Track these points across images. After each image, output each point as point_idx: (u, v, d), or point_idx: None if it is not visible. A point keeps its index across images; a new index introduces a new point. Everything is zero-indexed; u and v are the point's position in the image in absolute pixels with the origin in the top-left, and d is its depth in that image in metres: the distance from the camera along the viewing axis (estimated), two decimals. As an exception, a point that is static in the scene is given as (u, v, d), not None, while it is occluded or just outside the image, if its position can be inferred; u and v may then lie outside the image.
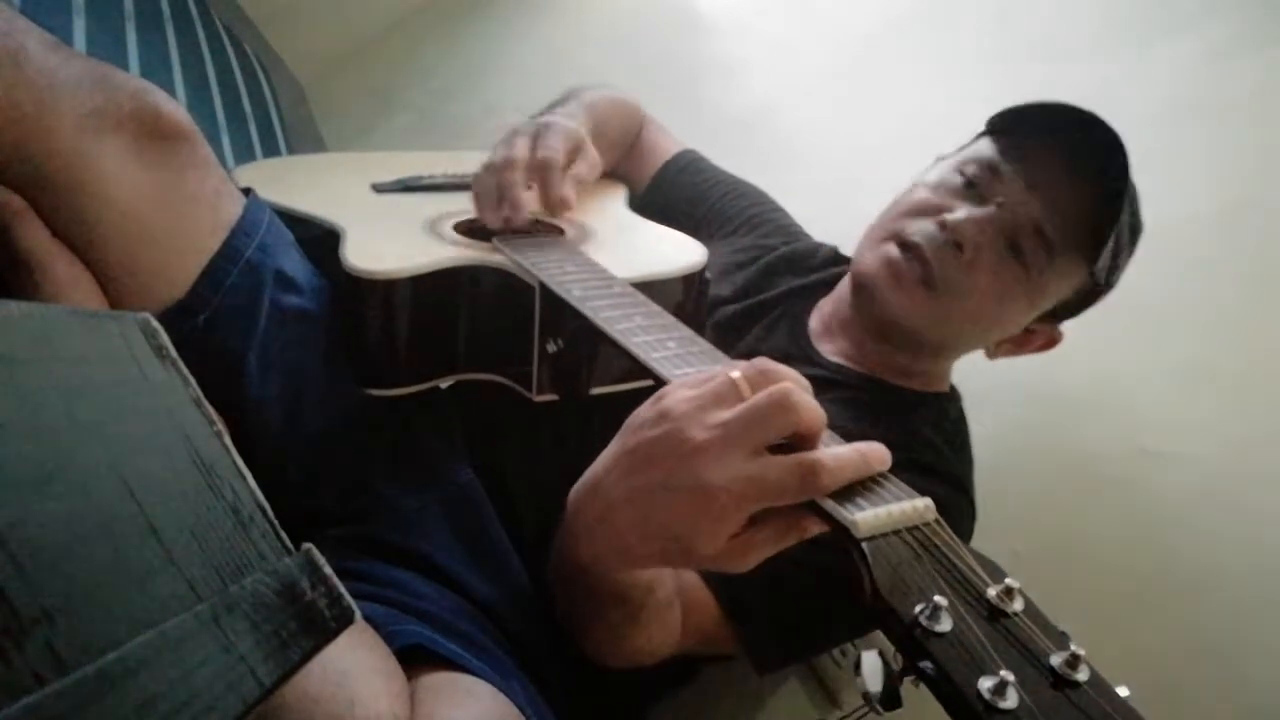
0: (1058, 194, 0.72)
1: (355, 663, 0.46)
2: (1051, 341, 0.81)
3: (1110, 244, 0.70)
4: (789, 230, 0.94)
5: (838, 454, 0.40)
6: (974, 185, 0.75)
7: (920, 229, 0.75)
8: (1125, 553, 0.89)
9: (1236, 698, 0.79)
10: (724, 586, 0.62)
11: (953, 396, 0.83)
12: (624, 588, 0.51)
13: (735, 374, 0.42)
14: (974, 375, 0.85)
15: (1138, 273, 0.79)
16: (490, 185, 0.69)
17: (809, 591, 0.63)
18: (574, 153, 0.73)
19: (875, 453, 0.40)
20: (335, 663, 0.43)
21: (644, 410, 0.45)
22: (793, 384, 0.42)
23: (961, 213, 0.73)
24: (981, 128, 0.80)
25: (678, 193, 0.96)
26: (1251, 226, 0.97)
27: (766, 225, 0.94)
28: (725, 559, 0.43)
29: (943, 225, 0.73)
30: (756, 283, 0.86)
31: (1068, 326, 0.81)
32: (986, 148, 0.77)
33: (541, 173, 0.69)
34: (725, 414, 0.41)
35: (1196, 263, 0.97)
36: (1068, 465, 0.96)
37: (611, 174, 0.98)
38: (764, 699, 0.71)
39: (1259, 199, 0.98)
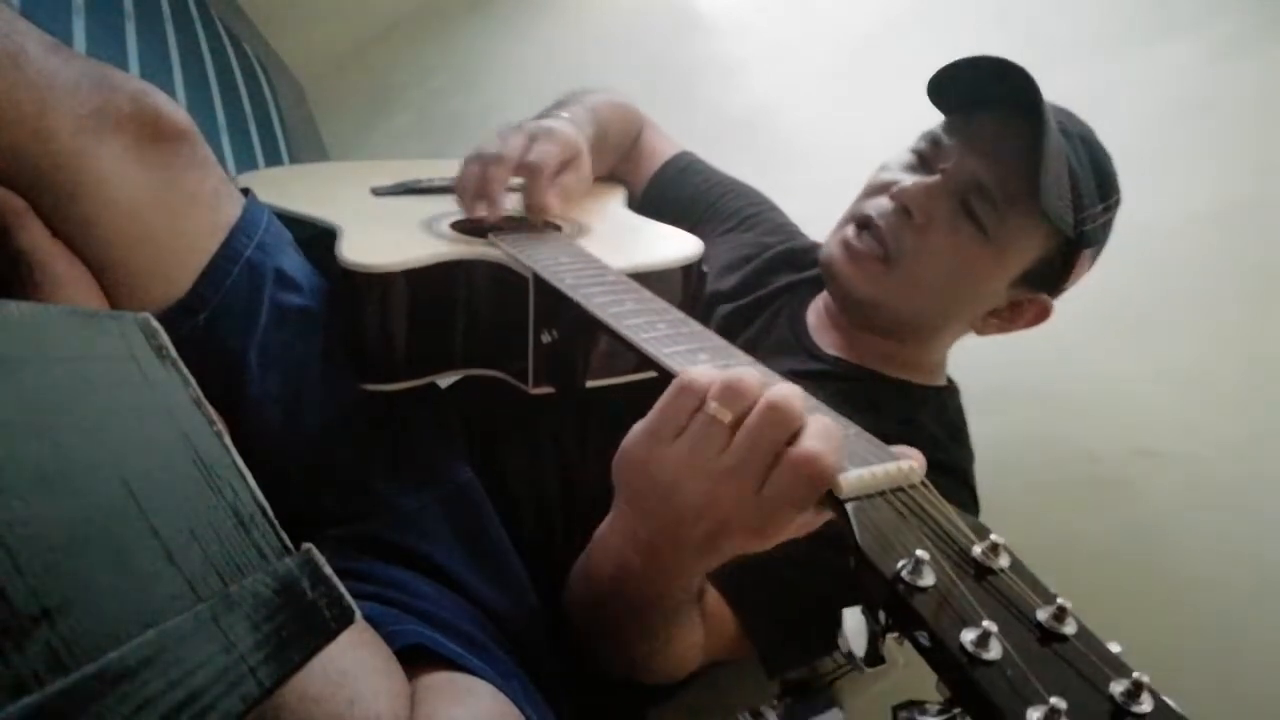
0: (990, 147, 0.73)
1: (355, 662, 0.46)
2: (1042, 313, 0.79)
3: (1048, 180, 0.68)
4: (785, 229, 0.95)
5: (824, 430, 0.39)
6: (922, 159, 0.78)
7: (874, 205, 0.77)
8: (1123, 552, 0.89)
9: (1235, 697, 0.79)
10: (737, 594, 0.62)
11: (951, 390, 0.83)
12: (674, 602, 0.52)
13: (711, 406, 0.41)
14: (974, 375, 0.85)
15: (1138, 273, 0.79)
16: (474, 175, 0.70)
17: (816, 591, 0.63)
18: (567, 162, 0.74)
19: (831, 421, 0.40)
20: (335, 662, 0.43)
21: (639, 479, 0.44)
22: (759, 383, 0.41)
23: (908, 180, 0.75)
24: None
25: (676, 193, 0.97)
26: (1251, 226, 0.97)
27: (764, 224, 0.94)
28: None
29: (891, 196, 0.76)
30: (755, 279, 0.86)
31: (1069, 326, 0.81)
32: (934, 127, 0.79)
33: (529, 176, 0.70)
34: (729, 457, 0.40)
35: (1196, 263, 0.97)
36: (1066, 465, 0.96)
37: (610, 176, 0.98)
38: (766, 698, 0.71)
39: (1259, 199, 0.98)
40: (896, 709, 0.29)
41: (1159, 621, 0.85)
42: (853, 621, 0.32)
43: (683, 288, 0.70)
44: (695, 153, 1.02)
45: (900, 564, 0.31)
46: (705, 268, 0.71)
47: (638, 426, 0.44)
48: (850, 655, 0.32)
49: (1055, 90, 0.73)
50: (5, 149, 0.49)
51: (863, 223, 0.77)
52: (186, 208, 0.58)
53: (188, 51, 1.24)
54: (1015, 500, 0.88)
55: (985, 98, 0.73)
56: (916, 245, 0.74)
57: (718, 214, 0.95)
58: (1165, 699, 0.27)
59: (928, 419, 0.76)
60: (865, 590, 0.32)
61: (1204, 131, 1.05)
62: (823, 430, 0.39)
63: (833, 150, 1.29)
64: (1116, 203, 0.76)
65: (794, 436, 0.39)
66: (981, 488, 0.77)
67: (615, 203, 0.91)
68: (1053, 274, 0.76)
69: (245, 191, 0.67)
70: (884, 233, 0.75)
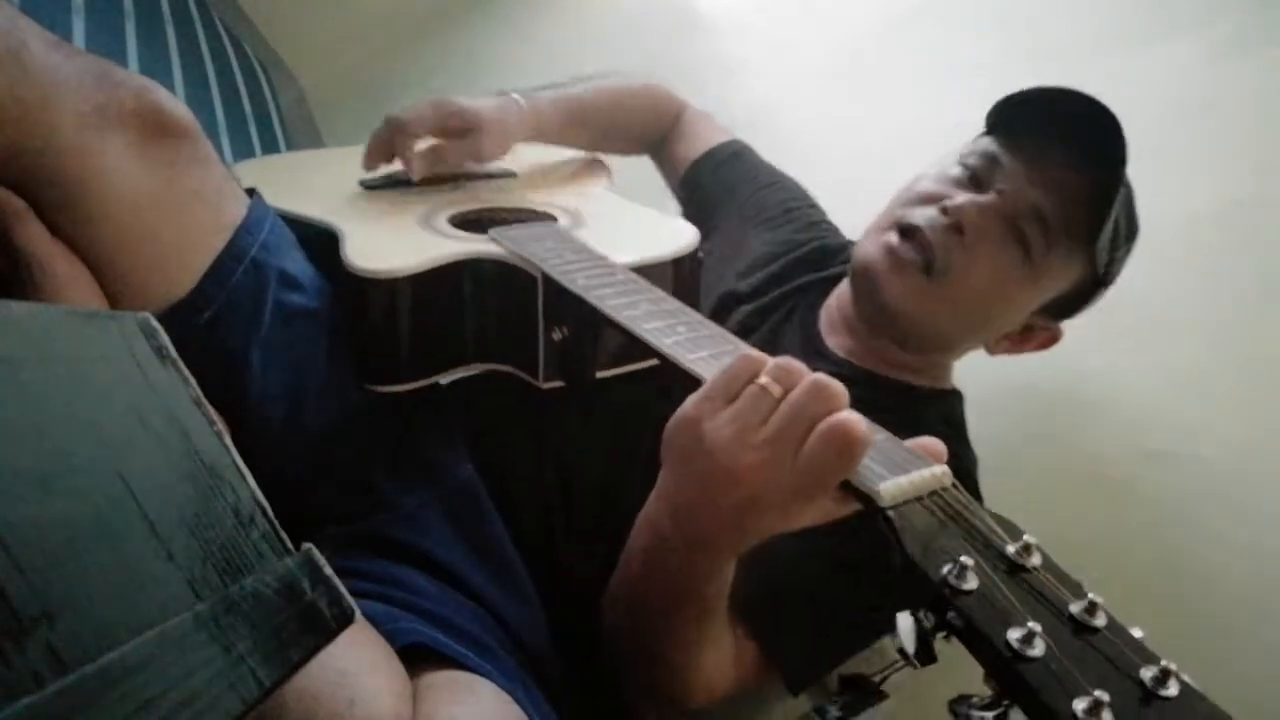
0: (1057, 179, 0.72)
1: (356, 661, 0.46)
2: (1051, 339, 0.81)
3: (1109, 226, 0.70)
4: (820, 226, 0.94)
5: (859, 415, 0.42)
6: (975, 175, 0.76)
7: (922, 214, 0.75)
8: (1126, 553, 0.89)
9: (1237, 698, 0.79)
10: (754, 622, 0.63)
11: (956, 396, 0.83)
12: (708, 587, 0.53)
13: (764, 379, 0.44)
14: (975, 375, 0.85)
15: (1138, 273, 0.79)
16: (372, 135, 0.78)
17: (828, 606, 0.65)
18: (451, 130, 0.79)
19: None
20: (336, 662, 0.43)
21: (687, 440, 0.46)
22: (808, 372, 0.44)
23: (962, 197, 0.74)
24: (982, 128, 0.81)
25: (721, 178, 0.97)
26: (1251, 226, 0.97)
27: (799, 220, 0.94)
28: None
29: (944, 210, 0.74)
30: (777, 278, 0.86)
31: (1069, 326, 0.81)
32: (988, 142, 0.77)
33: (393, 131, 0.77)
34: (768, 429, 0.43)
35: (1196, 263, 0.96)
36: (1069, 465, 0.96)
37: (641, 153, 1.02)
38: (766, 700, 0.71)
39: (1259, 199, 0.97)
40: (952, 703, 0.31)
41: (1160, 621, 0.84)
42: (905, 624, 0.34)
43: (680, 277, 0.70)
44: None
45: (946, 569, 0.33)
46: (701, 254, 0.72)
47: (694, 394, 0.47)
48: (904, 654, 0.34)
49: (1056, 90, 0.73)
50: (7, 145, 0.49)
51: (907, 230, 0.76)
52: (189, 205, 0.58)
53: (188, 51, 1.24)
54: (1016, 500, 0.88)
55: (1057, 127, 0.73)
56: (962, 262, 0.73)
57: (757, 205, 0.95)
58: (1189, 681, 0.29)
59: (935, 422, 0.77)
60: (913, 594, 0.35)
61: (1204, 131, 1.05)
62: (858, 416, 0.42)
63: (833, 150, 1.29)
64: (1135, 242, 0.78)
65: (830, 415, 0.42)
66: (982, 488, 0.77)
67: (600, 186, 0.91)
68: (1070, 306, 0.78)
69: (250, 191, 0.66)
70: (931, 245, 0.74)
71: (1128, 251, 0.77)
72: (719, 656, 0.60)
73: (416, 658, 0.51)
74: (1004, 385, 0.87)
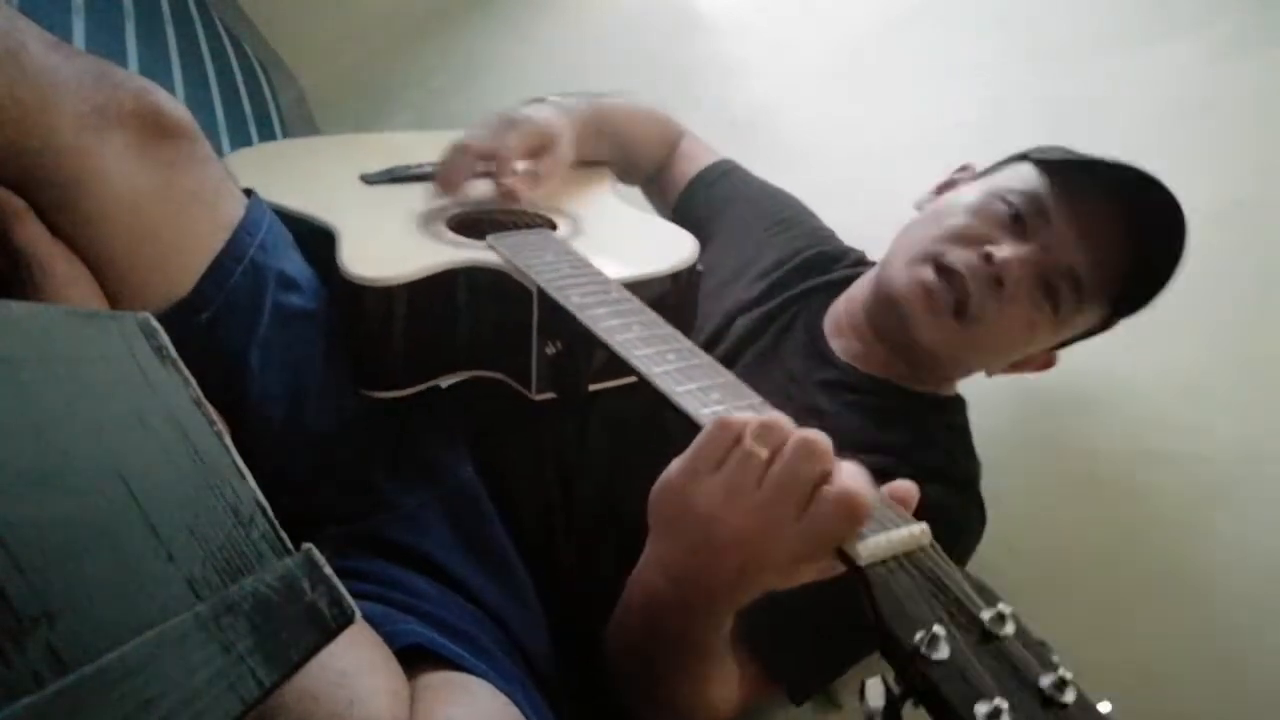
0: (1104, 245, 0.72)
1: (355, 662, 0.46)
2: (1048, 364, 0.83)
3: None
4: (819, 233, 0.94)
5: (854, 470, 0.42)
6: (1020, 219, 0.73)
7: (963, 258, 0.73)
8: (1125, 553, 0.89)
9: (1236, 698, 0.79)
10: (755, 641, 0.63)
11: (959, 402, 0.83)
12: (707, 639, 0.53)
13: (747, 443, 0.43)
14: (974, 374, 0.85)
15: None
16: (446, 164, 0.75)
17: (828, 616, 0.64)
18: (536, 149, 0.77)
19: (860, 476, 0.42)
20: (335, 662, 0.43)
21: (677, 510, 0.45)
22: (791, 423, 0.44)
23: (1008, 250, 0.72)
24: (1004, 143, 0.81)
25: (714, 196, 0.98)
26: (1251, 226, 0.96)
27: (797, 228, 0.94)
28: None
29: (988, 259, 0.72)
30: (780, 285, 0.86)
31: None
32: (1034, 180, 0.75)
33: (496, 163, 0.74)
34: (764, 492, 0.42)
35: (1196, 263, 0.96)
36: (1068, 464, 0.96)
37: (640, 180, 1.02)
38: (766, 705, 0.71)
39: (1259, 199, 0.97)
40: None
41: (1159, 621, 0.85)
42: (874, 688, 0.34)
43: (678, 290, 0.70)
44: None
45: (918, 636, 0.33)
46: (700, 267, 0.72)
47: (675, 462, 0.46)
48: (871, 717, 0.34)
49: (1056, 90, 0.73)
50: (6, 146, 0.49)
51: (944, 269, 0.74)
52: (188, 205, 0.58)
53: (187, 51, 1.23)
54: (1015, 500, 0.88)
55: (1112, 188, 0.72)
56: (995, 311, 0.73)
57: (754, 216, 0.95)
58: None
59: (938, 430, 0.77)
60: (885, 653, 0.35)
61: (1204, 131, 1.04)
62: (854, 470, 0.42)
63: (833, 150, 1.28)
64: None
65: (825, 475, 0.42)
66: (982, 488, 0.77)
67: (604, 190, 0.91)
68: (1076, 340, 0.80)
69: (248, 192, 0.67)
70: (969, 292, 0.72)
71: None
72: (723, 684, 0.60)
73: (414, 659, 0.51)
74: (1002, 385, 0.87)
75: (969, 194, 0.78)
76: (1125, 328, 0.80)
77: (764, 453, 0.42)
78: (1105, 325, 0.79)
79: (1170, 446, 0.91)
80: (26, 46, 0.50)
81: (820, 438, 0.42)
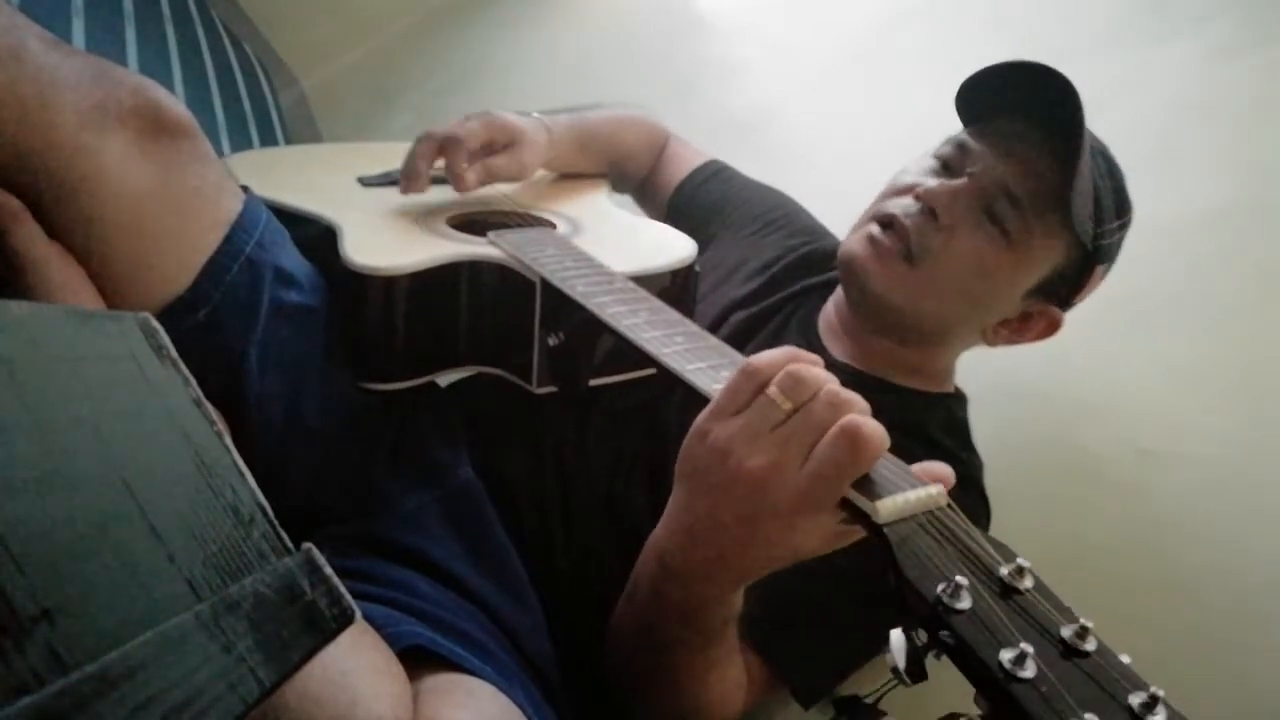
0: (1024, 155, 0.73)
1: (356, 663, 0.45)
2: (1052, 326, 0.79)
3: (1077, 196, 0.69)
4: (811, 230, 0.95)
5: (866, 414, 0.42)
6: (948, 164, 0.77)
7: (899, 204, 0.77)
8: (1124, 553, 0.89)
9: (1236, 698, 0.79)
10: (761, 641, 0.63)
11: (958, 397, 0.83)
12: (713, 617, 0.53)
13: (772, 392, 0.44)
14: (974, 374, 0.85)
15: (1138, 271, 0.79)
16: (409, 154, 0.75)
17: (833, 620, 0.65)
18: (498, 145, 0.77)
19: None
20: (336, 663, 0.43)
21: (698, 450, 0.46)
22: (821, 377, 0.44)
23: (934, 183, 0.75)
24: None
25: (702, 199, 0.98)
26: (1251, 226, 0.97)
27: (790, 226, 0.94)
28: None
29: (916, 196, 0.76)
30: (774, 283, 0.86)
31: (1070, 325, 0.81)
32: (960, 133, 0.79)
33: (447, 150, 0.74)
34: (778, 433, 0.43)
35: (1196, 263, 0.96)
36: (1067, 465, 0.96)
37: (631, 185, 1.02)
38: (768, 703, 0.71)
39: (1259, 199, 0.97)
40: None
41: (1160, 621, 0.85)
42: (897, 640, 0.35)
43: (678, 289, 0.70)
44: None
45: (940, 588, 0.33)
46: (697, 267, 0.72)
47: (705, 409, 0.47)
48: (896, 671, 0.34)
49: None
50: (6, 144, 0.49)
51: (886, 221, 0.77)
52: (188, 202, 0.58)
53: (187, 51, 1.24)
54: (1016, 500, 0.88)
55: (1017, 104, 0.73)
56: (940, 247, 0.74)
57: (745, 217, 0.95)
58: (1177, 710, 0.29)
59: (936, 428, 0.77)
60: (908, 611, 0.35)
61: (1204, 131, 1.05)
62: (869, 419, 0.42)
63: (833, 150, 1.29)
64: (1130, 220, 0.77)
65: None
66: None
67: (600, 197, 0.91)
68: (1066, 287, 0.77)
69: (244, 189, 0.67)
70: (908, 232, 0.75)
71: (1121, 227, 0.76)
72: (729, 680, 0.60)
73: (416, 660, 0.51)
74: (1001, 383, 0.87)
75: (912, 164, 0.82)
76: (1125, 328, 0.80)
77: (787, 405, 0.43)
78: (1087, 261, 0.75)
79: (1168, 445, 0.91)
80: (26, 44, 0.50)
81: (854, 396, 0.43)
